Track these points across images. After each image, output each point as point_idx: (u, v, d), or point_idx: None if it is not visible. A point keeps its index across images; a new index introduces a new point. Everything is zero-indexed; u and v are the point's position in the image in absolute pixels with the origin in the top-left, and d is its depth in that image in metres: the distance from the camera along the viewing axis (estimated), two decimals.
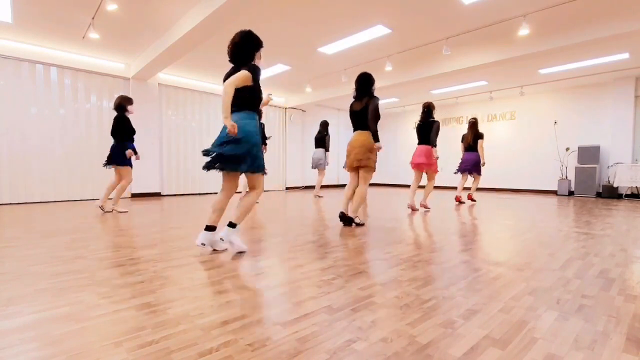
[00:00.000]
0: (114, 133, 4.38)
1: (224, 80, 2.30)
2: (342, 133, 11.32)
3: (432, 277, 1.81)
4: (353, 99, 3.62)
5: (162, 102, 7.17)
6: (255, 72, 2.28)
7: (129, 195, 6.74)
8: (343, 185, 11.31)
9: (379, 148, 3.46)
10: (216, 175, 8.11)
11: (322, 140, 6.88)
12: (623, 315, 1.34)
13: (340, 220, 3.51)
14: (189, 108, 7.63)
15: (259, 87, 2.34)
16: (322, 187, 10.43)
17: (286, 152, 9.64)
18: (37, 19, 4.62)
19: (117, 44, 5.53)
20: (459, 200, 5.89)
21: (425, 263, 2.08)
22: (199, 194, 7.77)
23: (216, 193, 8.04)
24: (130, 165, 4.46)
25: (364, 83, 3.49)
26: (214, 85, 7.98)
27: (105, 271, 1.89)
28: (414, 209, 4.80)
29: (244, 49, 2.32)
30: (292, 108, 9.65)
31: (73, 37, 5.25)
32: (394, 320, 1.29)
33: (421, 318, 1.30)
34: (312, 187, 10.38)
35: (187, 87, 7.50)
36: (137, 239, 2.76)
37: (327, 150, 6.89)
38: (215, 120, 8.07)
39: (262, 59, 2.57)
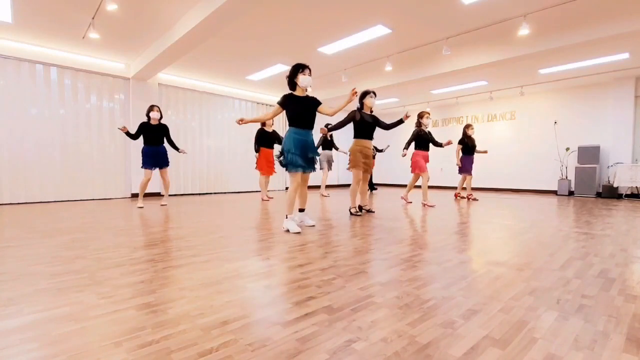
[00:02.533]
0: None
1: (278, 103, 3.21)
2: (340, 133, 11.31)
3: (432, 277, 1.81)
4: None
5: (162, 102, 7.17)
6: (283, 101, 3.18)
7: (129, 195, 6.75)
8: (342, 185, 11.31)
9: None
10: (215, 176, 8.11)
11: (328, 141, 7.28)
12: (623, 315, 1.34)
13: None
14: (189, 108, 7.63)
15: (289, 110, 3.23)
16: (327, 186, 10.49)
17: None
18: (37, 19, 4.62)
19: (117, 44, 5.54)
20: (459, 197, 6.79)
21: (425, 263, 2.07)
22: (199, 194, 7.77)
23: (215, 193, 8.06)
24: (148, 167, 4.96)
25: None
26: (214, 85, 7.97)
27: (105, 271, 1.89)
28: (407, 202, 5.73)
29: (288, 79, 3.21)
30: None
31: (73, 37, 5.25)
32: (394, 320, 1.29)
33: (421, 318, 1.30)
34: (314, 187, 10.39)
35: (187, 87, 7.50)
36: (137, 239, 2.76)
37: (334, 149, 7.24)
38: (215, 120, 8.08)
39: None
